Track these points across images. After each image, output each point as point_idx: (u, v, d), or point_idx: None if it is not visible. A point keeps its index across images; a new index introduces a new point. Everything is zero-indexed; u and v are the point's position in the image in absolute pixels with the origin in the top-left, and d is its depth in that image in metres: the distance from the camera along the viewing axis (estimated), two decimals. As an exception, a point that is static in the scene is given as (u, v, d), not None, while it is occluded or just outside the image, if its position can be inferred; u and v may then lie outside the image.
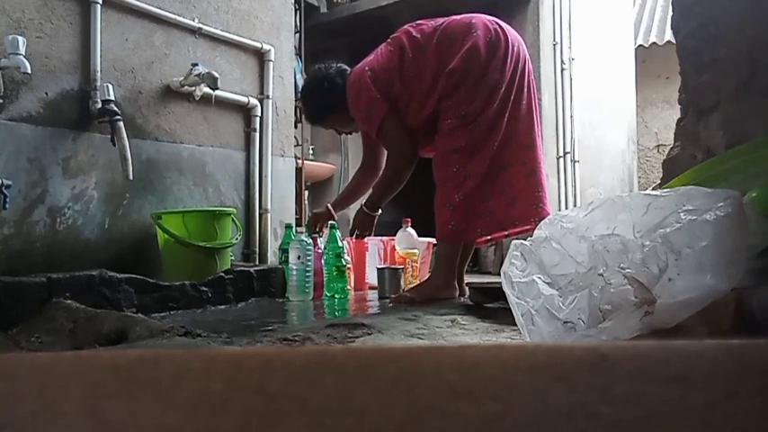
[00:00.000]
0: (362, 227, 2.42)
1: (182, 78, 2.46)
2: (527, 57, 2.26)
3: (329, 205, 2.54)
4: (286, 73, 3.08)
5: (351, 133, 2.65)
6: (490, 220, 2.19)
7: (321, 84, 2.39)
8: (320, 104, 2.42)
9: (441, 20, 2.26)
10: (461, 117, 2.14)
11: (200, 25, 2.59)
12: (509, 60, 2.16)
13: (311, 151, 4.48)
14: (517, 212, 2.17)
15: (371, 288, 2.68)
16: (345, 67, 2.41)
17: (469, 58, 2.12)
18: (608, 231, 0.98)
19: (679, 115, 1.56)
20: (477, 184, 2.15)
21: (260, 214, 2.88)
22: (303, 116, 2.58)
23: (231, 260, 2.42)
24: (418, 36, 2.23)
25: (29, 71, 1.89)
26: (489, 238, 2.28)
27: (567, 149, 4.00)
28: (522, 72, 2.20)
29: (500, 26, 2.21)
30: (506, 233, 2.22)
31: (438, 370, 0.36)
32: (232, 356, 0.39)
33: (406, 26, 2.30)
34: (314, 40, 3.92)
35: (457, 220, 2.17)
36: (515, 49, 2.19)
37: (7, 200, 1.85)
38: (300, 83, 3.42)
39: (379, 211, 2.40)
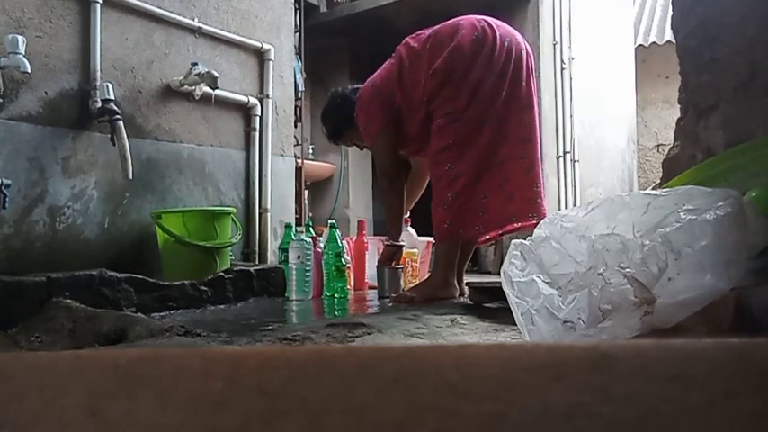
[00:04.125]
0: (389, 259, 2.45)
1: (181, 78, 2.46)
2: (524, 50, 2.23)
3: (390, 242, 2.46)
4: (286, 72, 3.08)
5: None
6: (487, 217, 2.19)
7: (335, 102, 2.47)
8: (335, 122, 2.49)
9: (436, 27, 2.29)
10: (447, 115, 2.17)
11: (200, 24, 2.59)
12: (496, 55, 2.15)
13: (311, 151, 4.48)
14: (514, 208, 2.17)
15: (371, 288, 2.68)
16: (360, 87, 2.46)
17: (453, 58, 2.15)
18: (608, 231, 0.98)
19: (679, 115, 1.56)
20: (469, 181, 2.16)
21: (260, 214, 2.88)
22: (325, 136, 2.61)
23: (231, 260, 2.42)
24: (415, 45, 2.28)
25: (29, 70, 1.89)
26: (488, 237, 2.29)
27: (567, 149, 4.00)
28: (516, 65, 2.19)
29: (488, 23, 2.21)
30: (503, 231, 2.23)
31: (438, 369, 0.36)
32: (232, 356, 0.38)
33: (407, 38, 2.34)
34: (314, 39, 3.92)
35: (451, 218, 2.18)
36: (506, 43, 2.18)
37: (7, 199, 1.85)
38: (300, 82, 3.43)
39: (402, 242, 2.45)
